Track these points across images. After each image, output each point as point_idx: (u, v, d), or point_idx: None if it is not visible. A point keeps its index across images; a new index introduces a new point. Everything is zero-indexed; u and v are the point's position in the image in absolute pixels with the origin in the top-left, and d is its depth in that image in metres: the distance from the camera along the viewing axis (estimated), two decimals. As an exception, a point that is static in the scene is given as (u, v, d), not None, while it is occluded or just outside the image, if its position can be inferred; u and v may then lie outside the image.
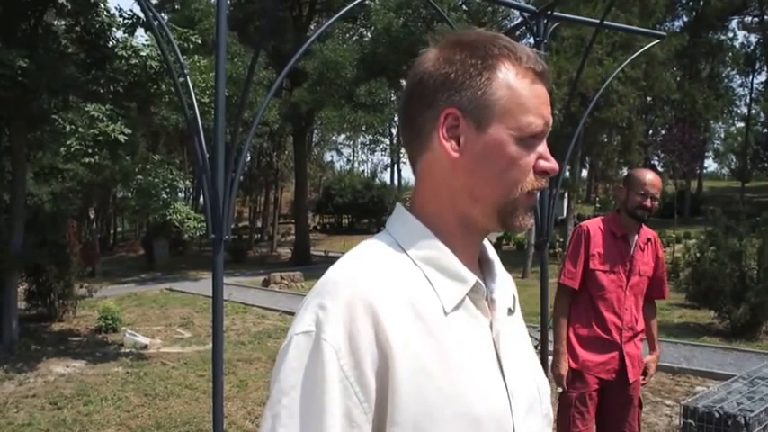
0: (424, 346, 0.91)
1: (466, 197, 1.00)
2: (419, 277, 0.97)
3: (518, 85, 0.97)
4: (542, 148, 1.00)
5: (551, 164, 1.01)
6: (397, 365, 0.88)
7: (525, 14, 5.03)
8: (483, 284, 1.01)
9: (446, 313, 0.96)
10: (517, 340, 1.08)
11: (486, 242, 1.12)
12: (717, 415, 5.24)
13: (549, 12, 4.84)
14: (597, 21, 5.01)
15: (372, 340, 0.88)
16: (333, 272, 0.97)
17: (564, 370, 3.81)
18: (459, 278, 0.99)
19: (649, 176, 3.74)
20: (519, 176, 0.98)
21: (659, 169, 36.24)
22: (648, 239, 3.87)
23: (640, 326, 3.84)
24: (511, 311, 1.10)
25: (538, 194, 1.02)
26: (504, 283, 1.11)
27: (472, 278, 0.99)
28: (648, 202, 3.68)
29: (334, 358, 0.87)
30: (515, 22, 5.43)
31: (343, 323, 0.88)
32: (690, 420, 5.38)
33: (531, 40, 4.77)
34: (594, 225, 3.92)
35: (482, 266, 1.11)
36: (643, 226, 3.85)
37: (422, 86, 1.00)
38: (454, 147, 0.98)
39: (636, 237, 3.82)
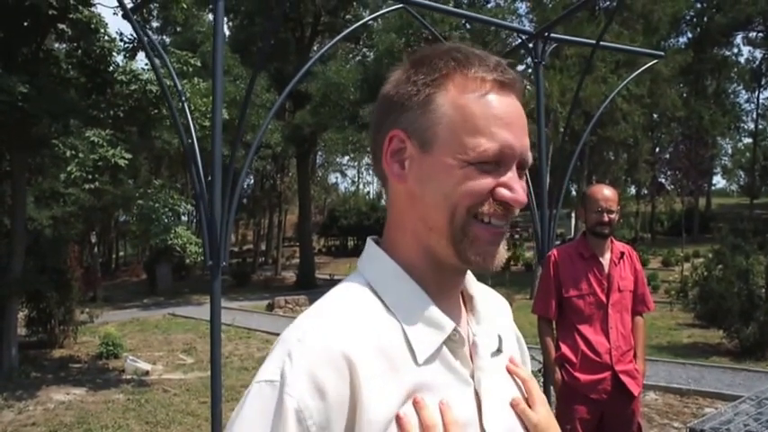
0: (398, 400, 0.85)
1: (421, 226, 0.92)
2: (393, 325, 0.90)
3: (466, 102, 0.88)
4: (507, 176, 0.89)
5: (513, 194, 0.88)
6: (368, 422, 0.82)
7: (523, 36, 5.00)
8: (460, 332, 0.92)
9: (418, 364, 0.88)
10: (503, 387, 1.00)
11: (469, 275, 1.02)
12: (725, 440, 5.10)
13: (546, 33, 4.81)
14: (593, 42, 4.96)
15: (341, 394, 0.82)
16: (303, 319, 0.92)
17: (558, 375, 3.77)
18: (435, 325, 0.90)
19: (602, 192, 3.73)
20: (465, 200, 0.88)
21: (667, 187, 36.05)
22: (622, 253, 3.83)
23: (630, 343, 3.76)
24: (499, 351, 1.02)
25: (505, 228, 0.91)
26: (489, 322, 1.02)
27: (450, 325, 0.91)
28: (606, 218, 3.67)
29: (294, 418, 0.79)
30: (516, 42, 5.40)
31: (310, 376, 0.81)
32: (697, 445, 5.24)
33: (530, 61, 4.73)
34: (563, 251, 3.91)
35: (465, 304, 1.02)
36: (614, 241, 3.84)
37: (377, 110, 0.96)
38: (397, 170, 0.92)
39: (608, 254, 3.78)
